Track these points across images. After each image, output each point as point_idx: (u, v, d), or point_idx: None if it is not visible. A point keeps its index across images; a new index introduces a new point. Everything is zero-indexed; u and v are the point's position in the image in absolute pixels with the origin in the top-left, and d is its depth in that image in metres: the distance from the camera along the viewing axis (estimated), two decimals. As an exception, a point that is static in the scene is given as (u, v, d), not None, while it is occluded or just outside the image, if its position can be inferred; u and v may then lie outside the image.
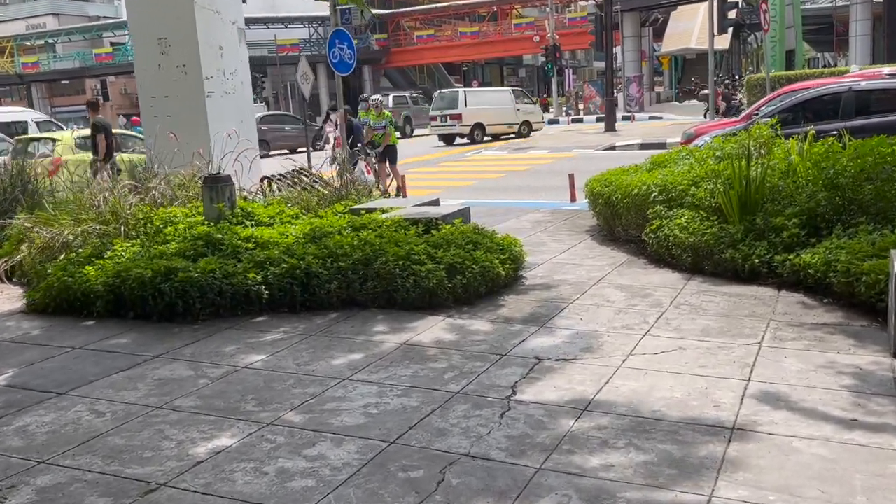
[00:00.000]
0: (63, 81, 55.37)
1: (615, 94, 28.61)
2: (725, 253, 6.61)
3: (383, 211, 8.03)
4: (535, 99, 33.56)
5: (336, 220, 7.60)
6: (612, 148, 22.04)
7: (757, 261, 6.42)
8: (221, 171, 8.37)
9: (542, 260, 7.79)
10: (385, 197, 10.79)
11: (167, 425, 4.17)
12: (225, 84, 11.17)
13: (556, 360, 4.90)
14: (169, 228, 7.38)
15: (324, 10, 62.41)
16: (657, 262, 7.32)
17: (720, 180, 7.30)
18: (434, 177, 18.76)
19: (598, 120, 31.88)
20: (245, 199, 8.91)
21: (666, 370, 4.62)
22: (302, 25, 58.26)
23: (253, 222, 7.78)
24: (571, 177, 13.01)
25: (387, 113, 14.58)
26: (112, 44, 55.33)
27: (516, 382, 4.54)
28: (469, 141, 28.76)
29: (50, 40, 56.96)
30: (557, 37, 39.44)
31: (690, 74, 51.90)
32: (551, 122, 38.14)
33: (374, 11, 66.13)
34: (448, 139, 29.19)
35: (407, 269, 6.19)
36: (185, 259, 6.62)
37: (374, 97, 14.75)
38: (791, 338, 5.09)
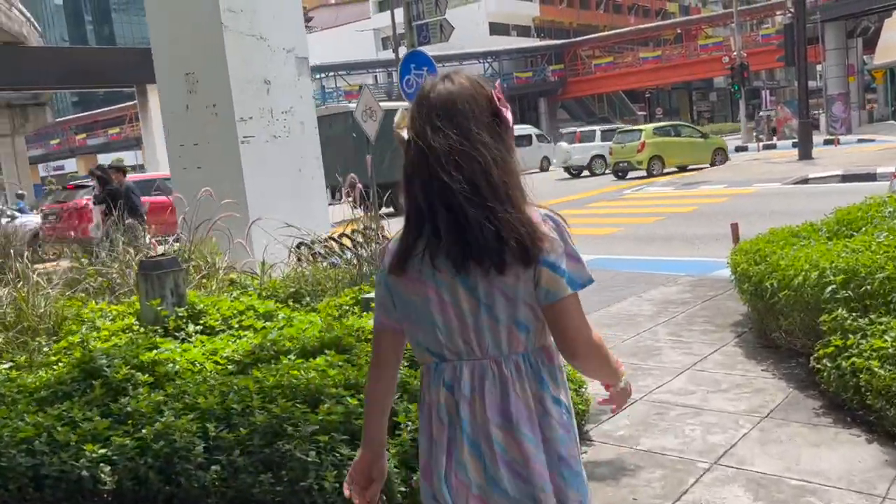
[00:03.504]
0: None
1: (811, 116, 24.13)
2: (977, 417, 3.29)
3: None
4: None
5: (309, 326, 4.91)
6: (805, 181, 17.95)
7: None
8: (168, 252, 5.98)
9: (638, 392, 4.70)
10: None
11: None
12: (273, 126, 8.89)
13: None
14: (62, 342, 5.00)
15: (499, 45, 60.90)
16: (838, 411, 4.06)
17: (960, 263, 3.96)
18: (577, 221, 15.73)
19: (795, 145, 27.32)
20: (232, 283, 6.44)
21: None
22: (477, 61, 57.00)
23: (199, 327, 5.26)
24: (735, 227, 9.67)
25: None
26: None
27: None
28: None
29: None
30: (745, 55, 35.05)
31: (910, 88, 45.12)
32: (738, 149, 33.84)
33: (552, 42, 63.60)
34: None
35: (332, 453, 3.37)
36: (43, 403, 4.19)
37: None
38: None
